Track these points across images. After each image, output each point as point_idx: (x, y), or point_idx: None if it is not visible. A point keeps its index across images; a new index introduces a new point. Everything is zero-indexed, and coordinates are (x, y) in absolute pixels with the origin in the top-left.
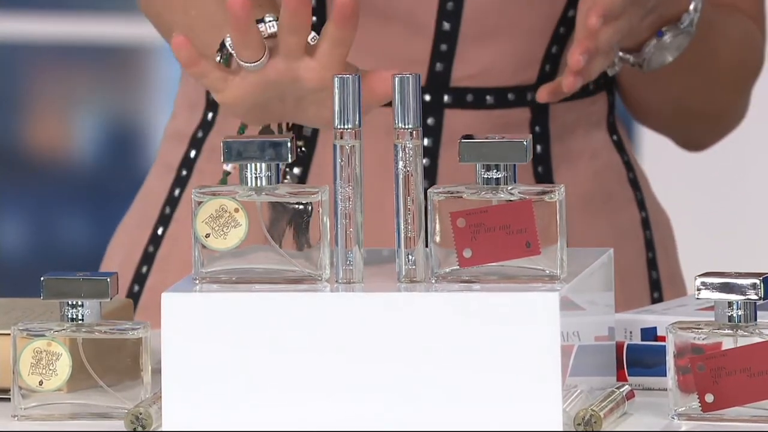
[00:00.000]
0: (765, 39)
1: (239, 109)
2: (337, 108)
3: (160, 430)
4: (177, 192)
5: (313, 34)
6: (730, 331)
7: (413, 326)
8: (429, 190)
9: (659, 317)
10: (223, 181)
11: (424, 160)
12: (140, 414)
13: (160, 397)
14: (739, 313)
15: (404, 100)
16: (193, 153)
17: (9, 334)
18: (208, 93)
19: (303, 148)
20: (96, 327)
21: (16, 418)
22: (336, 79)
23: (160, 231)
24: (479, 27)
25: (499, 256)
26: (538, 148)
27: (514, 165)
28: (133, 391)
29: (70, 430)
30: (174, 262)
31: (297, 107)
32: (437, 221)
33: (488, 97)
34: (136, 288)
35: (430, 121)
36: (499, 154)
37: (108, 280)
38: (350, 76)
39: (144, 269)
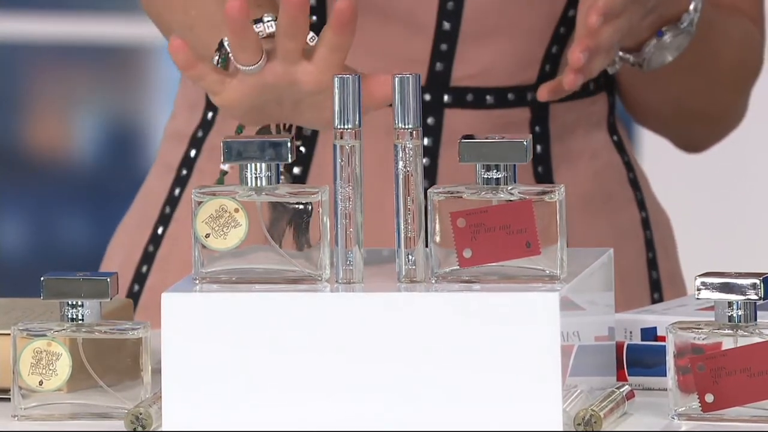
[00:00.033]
0: (765, 39)
1: (237, 111)
2: (337, 108)
3: (160, 430)
4: (177, 191)
5: (311, 34)
6: (730, 331)
7: (413, 326)
8: (429, 190)
9: (659, 317)
10: (220, 181)
11: (424, 160)
12: (140, 414)
13: (160, 397)
14: (739, 313)
15: (404, 100)
16: (193, 152)
17: (9, 334)
18: None
19: (301, 147)
20: (96, 327)
21: (16, 418)
22: (336, 79)
23: (160, 230)
24: (479, 27)
25: (499, 256)
26: (538, 148)
27: (514, 165)
28: (133, 391)
29: (70, 430)
30: (174, 262)
31: (295, 109)
32: (437, 221)
33: (488, 97)
34: (136, 288)
35: (430, 120)
36: (499, 154)
37: (108, 280)
38: (350, 76)
39: (144, 269)
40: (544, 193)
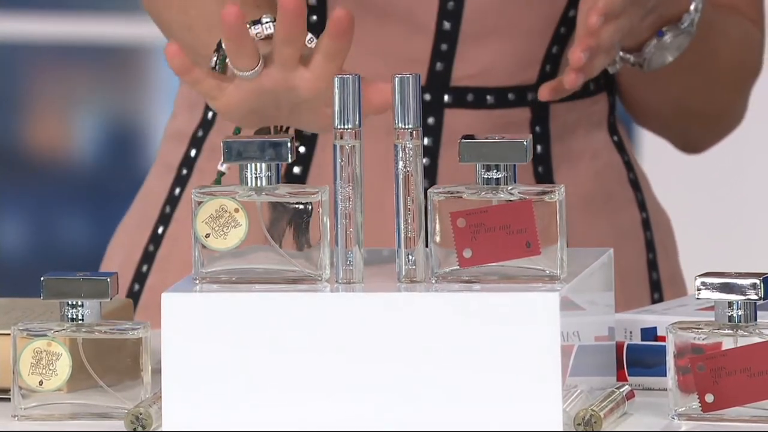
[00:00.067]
0: (764, 40)
1: (234, 115)
2: (337, 108)
3: (160, 430)
4: (177, 191)
5: (309, 36)
6: (730, 331)
7: (413, 326)
8: (429, 190)
9: (659, 317)
10: (217, 182)
11: (425, 160)
12: (140, 414)
13: (160, 397)
14: (739, 313)
15: (404, 100)
16: (193, 152)
17: (9, 334)
18: None
19: (300, 147)
20: (96, 327)
21: (16, 418)
22: (336, 79)
23: (160, 230)
24: (480, 26)
25: (499, 256)
26: (539, 148)
27: (514, 165)
28: (133, 391)
29: (70, 430)
30: (174, 262)
31: (292, 113)
32: (437, 221)
33: (488, 97)
34: (137, 287)
35: (430, 120)
36: (499, 154)
37: (108, 280)
38: (350, 76)
39: (144, 268)
40: (544, 193)
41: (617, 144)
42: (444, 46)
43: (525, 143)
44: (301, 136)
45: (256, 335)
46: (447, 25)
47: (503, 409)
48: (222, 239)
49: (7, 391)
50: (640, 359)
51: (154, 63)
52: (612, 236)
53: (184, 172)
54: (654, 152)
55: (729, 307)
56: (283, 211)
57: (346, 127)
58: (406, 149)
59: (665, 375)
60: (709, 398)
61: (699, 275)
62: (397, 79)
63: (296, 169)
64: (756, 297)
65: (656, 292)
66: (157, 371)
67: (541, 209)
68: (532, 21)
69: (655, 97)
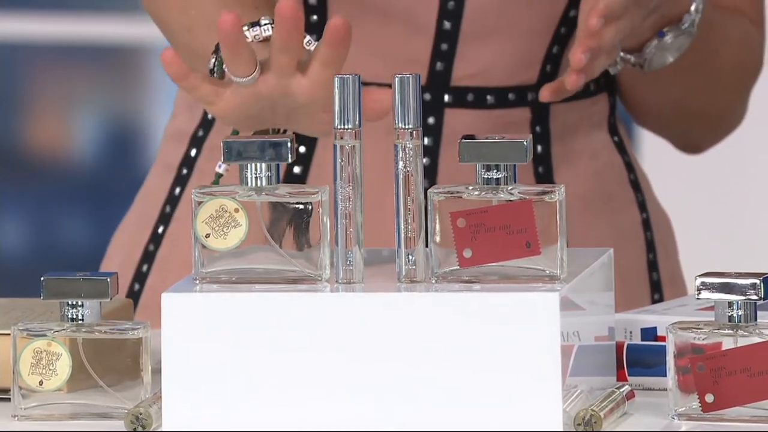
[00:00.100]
0: (765, 40)
1: (232, 120)
2: (337, 108)
3: (160, 430)
4: (177, 191)
5: (308, 38)
6: (730, 331)
7: (413, 326)
8: (429, 190)
9: (659, 317)
10: (215, 183)
11: (425, 160)
12: (140, 414)
13: (160, 397)
14: (739, 313)
15: (404, 100)
16: (193, 152)
17: (9, 334)
18: None
19: (300, 147)
20: (96, 327)
21: (16, 418)
22: (336, 79)
23: (160, 230)
24: (480, 26)
25: (499, 256)
26: (539, 148)
27: (514, 165)
28: (133, 391)
29: (70, 430)
30: (174, 262)
31: (289, 118)
32: (437, 221)
33: (489, 97)
34: (137, 287)
35: (430, 120)
36: (499, 154)
37: (108, 280)
38: (350, 76)
39: (144, 268)
40: (544, 193)
41: (617, 144)
42: (444, 46)
43: (525, 143)
44: (300, 136)
45: (256, 335)
46: (447, 24)
47: (503, 409)
48: (222, 239)
49: (7, 391)
50: (640, 359)
51: (154, 63)
52: (612, 237)
53: (185, 171)
54: (654, 152)
55: (729, 307)
56: (283, 211)
57: (346, 127)
58: (406, 149)
59: (665, 375)
60: (709, 398)
61: (699, 275)
62: (397, 79)
63: (296, 169)
64: (756, 297)
65: (656, 293)
66: (157, 371)
67: (541, 209)
68: (533, 21)
69: (655, 97)
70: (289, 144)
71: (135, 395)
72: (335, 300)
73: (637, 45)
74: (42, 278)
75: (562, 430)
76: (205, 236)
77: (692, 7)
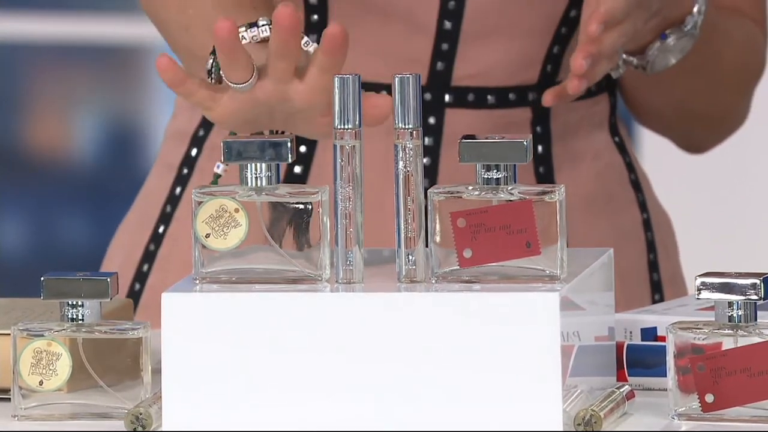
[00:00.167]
0: (767, 41)
1: (229, 124)
2: (337, 108)
3: (160, 430)
4: (178, 190)
5: (306, 39)
6: (730, 331)
7: (413, 326)
8: (429, 190)
9: (659, 317)
10: (214, 183)
11: (425, 160)
12: (140, 414)
13: (160, 397)
14: (740, 313)
15: (404, 100)
16: (194, 151)
17: (9, 334)
18: None
19: (301, 147)
20: (96, 327)
21: (16, 418)
22: (336, 79)
23: (161, 229)
24: (481, 26)
25: (499, 256)
26: (540, 148)
27: (515, 165)
28: (133, 391)
29: (70, 430)
30: (174, 262)
31: (287, 123)
32: (437, 221)
33: (489, 97)
34: (137, 286)
35: (431, 120)
36: (499, 154)
37: (108, 280)
38: (350, 76)
39: (145, 267)
40: (544, 193)
41: (618, 145)
42: (445, 46)
43: (525, 143)
44: (300, 136)
45: (256, 335)
46: (448, 24)
47: (503, 409)
48: (222, 239)
49: (7, 391)
50: (640, 359)
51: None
52: (613, 237)
53: (185, 171)
54: (655, 152)
55: (729, 307)
56: (283, 211)
57: (346, 127)
58: (407, 149)
59: (665, 375)
60: (709, 398)
61: (699, 275)
62: (397, 79)
63: (297, 169)
64: (756, 297)
65: (657, 293)
66: (157, 371)
67: (542, 209)
68: (533, 21)
69: (658, 99)
70: (289, 144)
71: (135, 395)
72: (335, 300)
73: (639, 47)
74: (42, 278)
75: (562, 430)
76: (205, 236)
77: (695, 9)
